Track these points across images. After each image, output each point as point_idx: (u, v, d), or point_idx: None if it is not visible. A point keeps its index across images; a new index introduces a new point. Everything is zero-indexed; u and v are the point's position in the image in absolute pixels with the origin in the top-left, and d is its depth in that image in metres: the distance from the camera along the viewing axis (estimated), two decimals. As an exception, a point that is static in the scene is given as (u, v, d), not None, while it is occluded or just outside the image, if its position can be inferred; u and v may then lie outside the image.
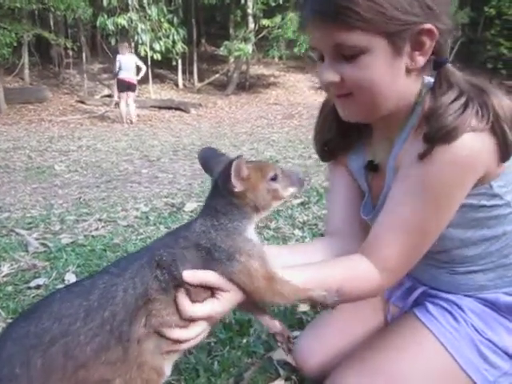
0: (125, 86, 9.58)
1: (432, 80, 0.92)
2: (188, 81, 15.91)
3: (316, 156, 1.19)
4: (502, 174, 0.90)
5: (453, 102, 0.83)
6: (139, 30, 12.34)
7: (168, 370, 0.83)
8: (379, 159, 1.06)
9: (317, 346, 1.17)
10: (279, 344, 0.93)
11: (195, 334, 0.81)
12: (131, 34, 12.61)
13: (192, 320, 0.80)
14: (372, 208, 1.09)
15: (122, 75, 9.55)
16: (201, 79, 15.67)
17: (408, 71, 0.88)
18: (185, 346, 0.83)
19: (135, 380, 0.76)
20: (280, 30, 13.63)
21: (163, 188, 3.92)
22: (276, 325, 0.92)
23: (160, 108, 12.15)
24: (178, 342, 0.81)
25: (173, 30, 13.06)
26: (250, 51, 13.97)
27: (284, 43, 14.49)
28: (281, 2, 13.47)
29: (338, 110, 0.98)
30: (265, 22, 13.89)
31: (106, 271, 0.83)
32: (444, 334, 1.02)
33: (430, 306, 1.08)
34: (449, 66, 0.89)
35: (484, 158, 0.84)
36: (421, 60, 0.86)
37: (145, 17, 12.53)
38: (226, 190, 0.83)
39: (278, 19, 13.74)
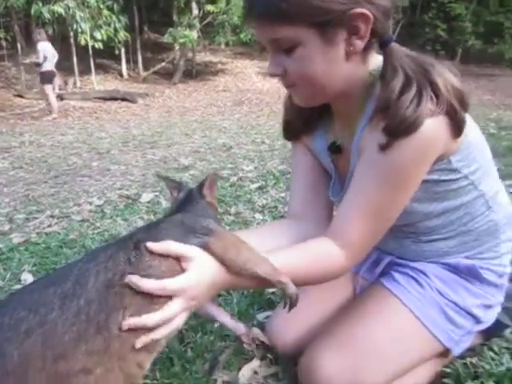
0: (51, 77, 8.79)
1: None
2: (133, 70, 15.43)
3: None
4: (459, 149, 0.93)
5: (403, 90, 0.84)
6: (78, 18, 11.72)
7: (148, 364, 0.81)
8: (342, 140, 1.07)
9: (289, 323, 1.19)
10: (245, 346, 0.95)
11: (171, 312, 0.78)
12: (69, 22, 11.98)
13: (165, 296, 0.78)
14: (340, 189, 1.11)
15: (48, 66, 8.71)
16: (146, 68, 15.25)
17: (348, 55, 0.88)
18: (162, 332, 0.79)
19: (116, 371, 0.73)
20: (225, 16, 13.48)
21: (116, 180, 3.79)
22: (241, 327, 0.95)
23: (105, 99, 11.68)
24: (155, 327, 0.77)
25: (114, 17, 12.52)
26: (196, 38, 13.74)
27: (230, 29, 14.35)
28: (224, -13, 13.32)
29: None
30: (209, 7, 13.66)
31: (81, 258, 0.80)
32: (411, 299, 1.06)
33: (396, 275, 1.12)
34: (393, 45, 0.89)
35: (443, 138, 0.87)
36: (359, 44, 0.86)
37: (83, 4, 11.90)
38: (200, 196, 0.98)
39: (222, 5, 13.56)
